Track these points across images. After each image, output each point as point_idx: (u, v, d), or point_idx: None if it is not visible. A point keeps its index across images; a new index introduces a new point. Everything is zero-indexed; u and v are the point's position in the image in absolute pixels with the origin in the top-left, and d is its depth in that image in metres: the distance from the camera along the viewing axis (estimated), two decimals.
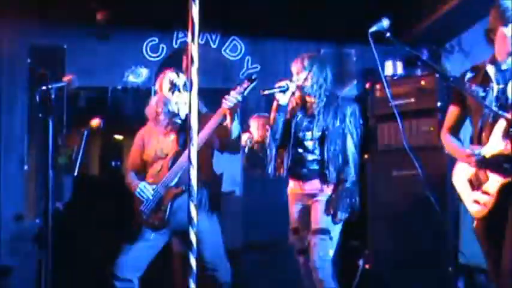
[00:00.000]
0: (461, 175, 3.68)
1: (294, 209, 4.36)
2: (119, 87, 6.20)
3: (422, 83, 5.16)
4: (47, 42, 6.02)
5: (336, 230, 4.15)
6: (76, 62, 5.96)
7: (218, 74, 6.27)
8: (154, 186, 4.27)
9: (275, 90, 4.24)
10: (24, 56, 5.96)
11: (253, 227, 5.54)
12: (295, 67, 4.34)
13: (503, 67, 3.61)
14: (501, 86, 3.61)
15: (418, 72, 5.38)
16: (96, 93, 6.20)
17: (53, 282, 3.93)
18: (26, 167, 6.02)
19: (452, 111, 3.84)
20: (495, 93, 3.62)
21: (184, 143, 4.23)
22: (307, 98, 4.30)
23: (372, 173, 5.33)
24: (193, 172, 2.52)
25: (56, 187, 4.02)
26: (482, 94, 3.64)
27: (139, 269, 4.29)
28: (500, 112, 3.56)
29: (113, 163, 4.95)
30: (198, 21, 2.52)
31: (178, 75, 4.35)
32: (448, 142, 3.85)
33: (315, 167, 4.22)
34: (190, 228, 2.51)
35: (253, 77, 4.21)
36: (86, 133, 5.40)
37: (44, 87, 4.03)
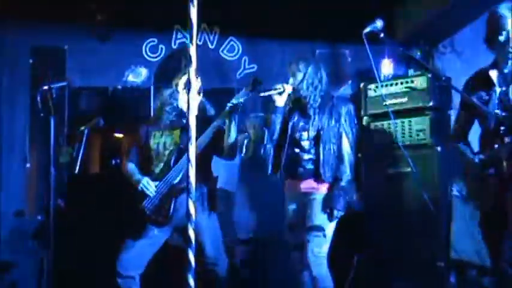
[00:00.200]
0: None
1: (291, 207, 4.37)
2: (119, 86, 6.19)
3: (415, 82, 5.16)
4: (48, 43, 6.01)
5: (330, 228, 4.16)
6: (77, 62, 5.96)
7: (216, 74, 6.27)
8: (157, 183, 4.27)
9: (272, 92, 4.25)
10: (26, 57, 5.95)
11: (248, 223, 5.56)
12: (290, 69, 4.34)
13: (505, 70, 3.62)
14: (503, 89, 3.63)
15: (411, 72, 5.38)
16: (97, 93, 6.19)
17: (54, 277, 3.94)
18: (28, 165, 6.02)
19: (460, 115, 3.87)
20: (498, 96, 3.64)
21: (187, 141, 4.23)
22: (303, 99, 4.31)
23: (366, 171, 5.34)
24: (191, 171, 2.51)
25: (57, 184, 4.00)
26: (485, 98, 3.65)
27: (141, 265, 4.28)
28: (489, 111, 3.58)
29: (113, 161, 4.94)
30: (196, 22, 2.51)
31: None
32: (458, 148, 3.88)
33: (311, 166, 4.22)
34: (188, 225, 2.51)
35: (259, 81, 4.23)
36: (86, 132, 5.39)
37: (45, 87, 4.03)
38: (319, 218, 4.14)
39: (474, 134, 3.86)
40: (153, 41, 6.36)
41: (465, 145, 3.85)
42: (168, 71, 5.08)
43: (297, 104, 4.37)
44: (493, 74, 3.67)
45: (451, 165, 4.93)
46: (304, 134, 4.28)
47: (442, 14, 5.34)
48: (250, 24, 6.15)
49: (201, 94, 4.41)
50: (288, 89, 4.26)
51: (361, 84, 5.60)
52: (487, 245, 3.85)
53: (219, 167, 4.57)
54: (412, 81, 5.18)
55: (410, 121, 5.12)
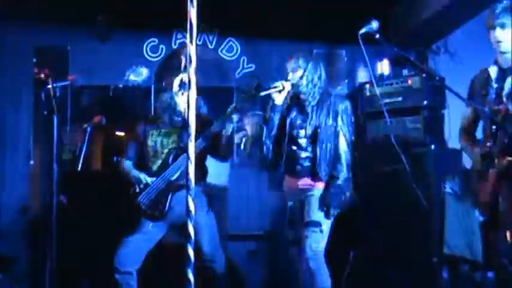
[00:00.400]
0: None
1: (289, 203, 4.36)
2: (120, 85, 6.19)
3: (410, 82, 5.16)
4: (51, 43, 6.00)
5: (327, 223, 4.16)
6: (79, 62, 5.95)
7: (215, 73, 6.26)
8: (153, 179, 4.26)
9: (271, 90, 4.24)
10: (30, 57, 5.93)
11: (240, 219, 5.57)
12: (290, 65, 4.33)
13: (504, 66, 3.63)
14: (499, 85, 3.64)
15: (406, 72, 5.38)
16: (99, 92, 6.19)
17: (57, 271, 3.93)
18: (31, 162, 6.02)
19: (467, 113, 3.88)
20: (494, 91, 3.65)
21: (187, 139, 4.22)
22: (302, 96, 4.29)
23: (361, 167, 5.33)
24: (191, 167, 2.51)
25: (60, 181, 4.00)
26: (483, 93, 3.66)
27: (138, 261, 4.27)
28: (482, 109, 3.58)
29: (115, 158, 4.93)
30: (196, 23, 2.51)
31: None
32: (463, 146, 3.89)
33: (308, 164, 4.21)
34: (188, 221, 2.50)
35: (259, 85, 4.23)
36: (88, 130, 5.39)
37: (48, 86, 4.02)
38: (317, 214, 4.14)
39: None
40: (154, 41, 6.35)
41: (468, 143, 3.86)
42: (168, 70, 5.06)
43: (295, 100, 4.36)
44: (493, 70, 3.68)
45: (444, 163, 4.93)
46: (302, 132, 4.27)
47: (436, 16, 5.34)
48: (248, 24, 6.14)
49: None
50: (287, 86, 4.25)
51: (357, 84, 5.60)
52: (485, 242, 3.85)
53: (209, 162, 4.57)
54: (407, 81, 5.18)
55: (405, 120, 5.12)
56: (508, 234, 3.52)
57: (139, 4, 5.84)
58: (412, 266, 4.89)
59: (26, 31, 6.05)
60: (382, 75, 5.56)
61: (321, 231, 4.12)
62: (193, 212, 2.50)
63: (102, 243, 4.82)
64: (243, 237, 5.57)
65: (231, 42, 6.43)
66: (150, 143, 4.37)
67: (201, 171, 4.39)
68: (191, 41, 2.50)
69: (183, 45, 6.20)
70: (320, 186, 4.18)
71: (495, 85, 3.65)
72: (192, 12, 2.49)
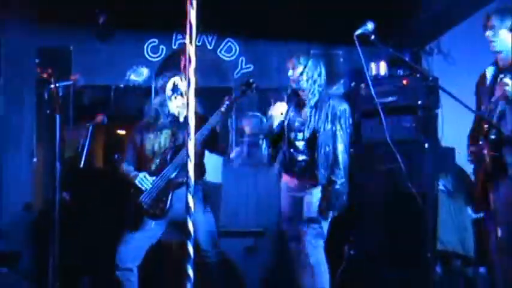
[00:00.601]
0: None
1: (287, 199, 4.35)
2: (122, 85, 6.19)
3: (404, 82, 5.15)
4: (54, 43, 5.99)
5: (326, 221, 4.16)
6: (81, 62, 5.95)
7: (214, 74, 6.26)
8: (154, 178, 4.25)
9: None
10: (33, 57, 5.93)
11: (239, 215, 5.57)
12: (290, 63, 4.31)
13: (500, 65, 3.65)
14: (491, 84, 3.67)
15: (400, 72, 5.37)
16: (100, 91, 6.19)
17: (59, 267, 3.92)
18: (34, 160, 6.02)
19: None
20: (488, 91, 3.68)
21: (183, 139, 4.21)
22: (301, 93, 4.27)
23: (357, 166, 5.32)
24: (190, 165, 2.50)
25: (63, 178, 3.99)
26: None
27: (139, 258, 4.26)
28: (473, 110, 3.59)
29: (116, 156, 4.93)
30: (195, 24, 2.50)
31: (182, 80, 4.30)
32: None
33: (306, 166, 4.19)
34: (188, 218, 2.50)
35: (251, 81, 4.22)
36: (90, 128, 5.37)
37: (51, 86, 4.01)
38: (316, 210, 4.13)
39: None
40: (154, 42, 6.35)
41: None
42: (165, 72, 5.05)
43: (294, 99, 4.34)
44: (489, 70, 3.69)
45: (437, 162, 4.94)
46: (300, 135, 4.26)
47: (430, 18, 5.35)
48: (247, 26, 6.14)
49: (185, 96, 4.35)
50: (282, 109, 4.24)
51: (353, 84, 5.60)
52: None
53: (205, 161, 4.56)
54: (402, 81, 5.17)
55: (399, 119, 5.11)
56: (498, 230, 3.53)
57: (140, 5, 5.83)
58: (407, 261, 4.89)
59: (29, 32, 6.04)
60: (377, 75, 5.56)
61: (321, 227, 4.12)
62: (192, 209, 2.50)
63: (103, 240, 4.81)
64: (241, 234, 5.56)
65: (229, 43, 6.43)
66: (147, 146, 4.35)
67: (200, 169, 4.38)
68: (191, 42, 2.49)
69: (182, 46, 6.20)
70: (318, 187, 4.17)
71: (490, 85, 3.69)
72: (192, 13, 2.49)
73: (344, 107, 4.23)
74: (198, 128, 4.12)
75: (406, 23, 5.69)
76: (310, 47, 6.11)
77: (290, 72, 4.27)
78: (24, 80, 6.09)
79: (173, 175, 4.23)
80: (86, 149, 5.34)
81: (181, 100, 4.26)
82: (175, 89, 4.30)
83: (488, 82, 3.75)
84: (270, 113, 4.30)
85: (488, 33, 3.67)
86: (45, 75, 4.10)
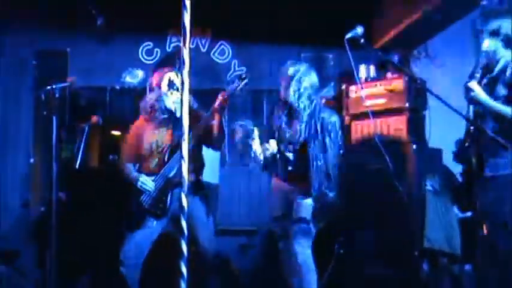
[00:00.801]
0: None
1: (278, 199, 4.35)
2: (117, 87, 6.17)
3: (393, 85, 5.17)
4: (51, 46, 5.97)
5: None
6: (78, 64, 5.92)
7: (207, 76, 6.25)
8: (153, 178, 4.24)
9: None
10: (31, 59, 5.91)
11: (232, 215, 5.57)
12: (281, 70, 4.31)
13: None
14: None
15: (389, 75, 5.38)
16: (96, 93, 6.17)
17: (57, 264, 3.91)
18: (32, 160, 5.99)
19: None
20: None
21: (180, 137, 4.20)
22: (291, 103, 4.25)
23: (347, 166, 5.32)
24: (184, 166, 2.50)
25: (59, 178, 3.98)
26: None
27: (142, 254, 4.25)
28: (459, 112, 3.60)
29: (111, 156, 4.92)
30: (189, 27, 2.50)
31: (177, 75, 4.28)
32: None
33: (296, 176, 4.18)
34: (181, 216, 2.49)
35: (243, 76, 4.21)
36: (86, 129, 5.36)
37: (48, 88, 4.00)
38: (305, 211, 4.13)
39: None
40: (149, 45, 6.34)
41: None
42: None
43: (285, 109, 4.32)
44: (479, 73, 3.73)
45: (425, 162, 4.95)
46: (290, 147, 4.25)
47: (417, 22, 5.36)
48: (239, 29, 6.14)
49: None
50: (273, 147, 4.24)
51: (343, 86, 5.60)
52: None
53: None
54: (390, 84, 5.18)
55: (388, 120, 5.12)
56: (484, 228, 3.54)
57: (135, 9, 5.82)
58: (394, 259, 4.90)
59: (27, 35, 6.02)
60: (366, 78, 5.56)
61: (309, 227, 4.12)
62: (186, 208, 2.49)
63: (99, 237, 4.80)
64: (235, 232, 5.56)
65: (222, 46, 6.42)
66: (145, 144, 4.34)
67: (198, 164, 4.37)
68: (184, 45, 2.49)
69: (176, 49, 6.19)
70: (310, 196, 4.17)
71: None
72: (186, 17, 2.49)
73: (334, 119, 4.21)
74: (193, 123, 4.12)
75: (394, 27, 5.71)
76: (301, 50, 6.11)
77: (282, 88, 4.27)
78: (21, 82, 6.06)
79: (171, 174, 4.22)
80: (81, 150, 5.33)
81: (177, 95, 4.23)
82: (171, 84, 4.28)
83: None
84: (264, 146, 4.26)
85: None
86: (42, 78, 4.07)
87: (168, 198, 4.19)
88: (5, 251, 5.29)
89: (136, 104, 5.28)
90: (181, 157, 2.50)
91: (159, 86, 4.32)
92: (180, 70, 2.47)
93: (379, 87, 5.25)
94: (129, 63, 6.22)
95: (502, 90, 3.59)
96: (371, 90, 5.25)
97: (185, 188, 2.50)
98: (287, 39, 6.12)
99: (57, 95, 4.06)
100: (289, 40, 6.12)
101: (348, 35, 3.46)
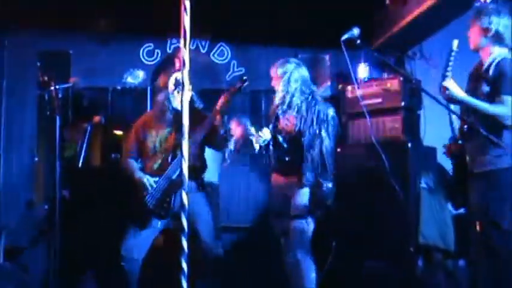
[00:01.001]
0: None
1: (276, 196, 4.34)
2: (119, 87, 6.16)
3: (388, 85, 5.16)
4: (54, 47, 5.96)
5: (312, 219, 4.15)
6: (80, 65, 5.92)
7: (207, 76, 6.24)
8: (156, 179, 4.22)
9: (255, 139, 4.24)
10: (34, 60, 5.90)
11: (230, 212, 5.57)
12: (272, 71, 4.31)
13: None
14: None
15: (385, 75, 5.38)
16: (98, 93, 6.16)
17: (61, 261, 3.90)
18: (36, 159, 5.98)
19: None
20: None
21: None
22: (285, 100, 4.25)
23: (344, 164, 5.32)
24: (185, 165, 2.50)
25: (63, 176, 3.97)
26: None
27: (143, 251, 4.25)
28: (452, 110, 3.60)
29: (113, 155, 4.92)
30: (189, 29, 2.49)
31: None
32: None
33: (293, 167, 4.17)
34: (182, 214, 2.49)
35: (244, 78, 4.20)
36: (89, 129, 5.36)
37: (51, 88, 3.99)
38: (303, 207, 4.12)
39: None
40: (150, 46, 6.33)
41: None
42: (162, 72, 5.03)
43: (281, 105, 4.32)
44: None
45: (420, 160, 4.94)
46: (286, 137, 4.24)
47: (412, 24, 5.35)
48: (238, 31, 6.13)
49: (191, 88, 4.33)
50: (266, 134, 4.22)
51: (340, 86, 5.60)
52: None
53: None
54: (386, 84, 5.18)
55: (384, 119, 5.12)
56: (477, 225, 3.54)
57: (137, 11, 5.81)
58: (390, 255, 4.90)
59: (31, 37, 6.01)
60: (363, 78, 5.56)
61: (307, 223, 4.11)
62: (187, 206, 2.49)
63: (101, 234, 4.80)
64: (235, 229, 5.55)
65: (222, 47, 6.42)
66: (149, 143, 4.32)
67: (200, 165, 4.36)
68: (185, 46, 2.49)
69: (177, 50, 6.18)
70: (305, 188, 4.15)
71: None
72: (186, 19, 2.48)
73: (330, 111, 4.20)
74: (198, 123, 4.12)
75: (389, 29, 5.70)
76: (298, 51, 6.11)
77: (272, 82, 4.28)
78: (26, 83, 6.06)
79: (174, 176, 4.20)
80: (84, 149, 5.32)
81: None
82: (177, 84, 4.27)
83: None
84: (261, 134, 4.26)
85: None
86: (45, 78, 4.07)
87: (172, 200, 4.18)
88: (10, 247, 5.29)
89: (137, 104, 5.29)
90: (182, 156, 2.51)
91: (166, 87, 4.31)
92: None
93: (375, 87, 5.24)
94: (130, 64, 6.21)
95: (485, 87, 3.59)
96: (367, 90, 5.24)
97: (185, 186, 2.50)
98: (285, 40, 6.11)
99: (60, 96, 4.04)
100: (287, 41, 6.11)
101: (344, 36, 3.46)
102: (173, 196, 4.17)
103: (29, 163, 6.02)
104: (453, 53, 3.62)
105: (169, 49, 6.37)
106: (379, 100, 5.18)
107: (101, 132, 5.84)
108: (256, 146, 4.26)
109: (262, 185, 4.64)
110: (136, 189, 4.22)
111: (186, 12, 2.48)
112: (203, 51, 6.40)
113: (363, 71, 5.60)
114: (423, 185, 5.02)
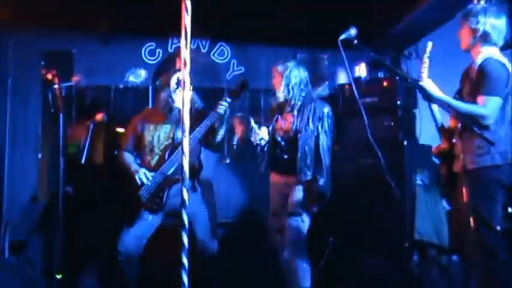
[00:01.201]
0: None
1: (275, 196, 4.33)
2: (121, 86, 6.16)
3: (385, 84, 5.16)
4: (57, 47, 5.95)
5: (308, 215, 4.14)
6: (83, 64, 5.91)
7: (207, 75, 6.24)
8: (152, 173, 4.22)
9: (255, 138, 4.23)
10: (38, 60, 5.88)
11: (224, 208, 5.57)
12: (274, 71, 4.30)
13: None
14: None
15: (381, 74, 5.37)
16: (101, 92, 6.16)
17: (63, 255, 3.90)
18: (40, 156, 5.98)
19: None
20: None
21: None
22: (284, 99, 4.24)
23: (341, 161, 5.31)
24: (185, 161, 2.49)
25: (66, 173, 3.96)
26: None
27: (140, 245, 4.24)
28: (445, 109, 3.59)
29: (115, 152, 4.90)
30: (190, 29, 2.49)
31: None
32: None
33: (291, 166, 4.16)
34: (183, 210, 2.49)
35: (244, 83, 4.20)
36: (91, 126, 5.35)
37: (55, 87, 3.98)
38: (298, 205, 4.11)
39: None
40: (151, 46, 6.33)
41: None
42: (165, 71, 5.03)
43: (278, 105, 4.32)
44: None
45: (415, 158, 4.94)
46: (284, 136, 4.23)
47: (408, 25, 5.35)
48: (238, 31, 6.12)
49: (191, 88, 4.32)
50: (264, 134, 4.22)
51: (337, 85, 5.60)
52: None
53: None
54: (383, 83, 5.17)
55: (380, 118, 5.11)
56: (471, 221, 3.52)
57: (138, 11, 5.80)
58: (386, 250, 4.90)
59: (35, 36, 6.00)
60: (360, 77, 5.56)
61: (303, 220, 4.10)
62: (187, 202, 2.48)
63: (104, 229, 4.79)
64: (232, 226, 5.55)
65: (222, 47, 6.42)
66: (147, 137, 4.32)
67: (197, 164, 4.36)
68: (186, 46, 2.48)
69: (178, 50, 6.17)
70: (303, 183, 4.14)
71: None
72: (187, 19, 2.47)
73: (326, 109, 4.19)
74: (199, 120, 4.11)
75: (386, 29, 5.70)
76: (296, 51, 6.11)
77: (273, 81, 4.28)
78: (30, 81, 6.05)
79: (170, 172, 4.21)
80: (87, 146, 5.32)
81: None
82: (179, 83, 4.27)
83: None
84: (259, 132, 4.25)
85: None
86: (49, 77, 4.06)
87: (165, 195, 4.18)
88: (14, 242, 5.29)
89: (139, 102, 5.29)
90: (183, 153, 2.50)
91: (168, 85, 4.31)
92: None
93: (372, 86, 5.24)
94: (132, 63, 6.21)
95: (468, 87, 3.60)
96: (364, 89, 5.24)
97: (186, 183, 2.50)
98: (284, 40, 6.11)
99: (63, 94, 4.03)
100: (286, 41, 6.11)
101: (342, 37, 3.45)
102: (166, 191, 4.18)
103: (33, 159, 6.02)
104: (426, 55, 3.64)
105: (171, 48, 6.37)
106: (376, 99, 5.18)
107: (103, 130, 5.83)
108: (256, 144, 4.26)
109: (261, 184, 4.62)
110: (131, 182, 4.22)
111: (186, 12, 2.47)
112: (204, 51, 6.40)
113: (360, 70, 5.60)
114: (419, 182, 5.02)
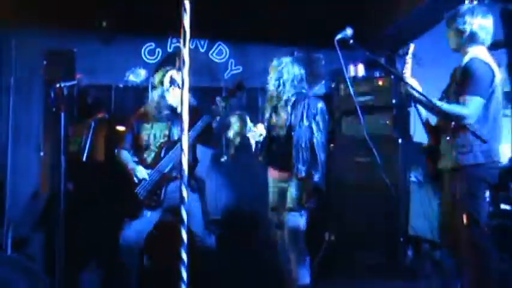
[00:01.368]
0: None
1: (273, 191, 4.33)
2: (121, 85, 6.15)
3: (380, 83, 5.17)
4: (59, 46, 5.94)
5: (305, 211, 4.14)
6: (84, 63, 5.89)
7: (206, 74, 6.24)
8: (149, 171, 4.23)
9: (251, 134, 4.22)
10: (41, 59, 5.87)
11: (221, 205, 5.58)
12: (270, 67, 4.30)
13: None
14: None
15: (377, 74, 5.37)
16: (102, 91, 6.15)
17: (65, 250, 3.90)
18: (42, 153, 5.97)
19: None
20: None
21: (178, 134, 4.19)
22: (278, 97, 4.23)
23: (337, 159, 5.32)
24: (184, 159, 2.49)
25: (67, 170, 3.96)
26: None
27: (140, 240, 4.25)
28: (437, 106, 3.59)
29: (116, 150, 4.90)
30: (189, 29, 2.48)
31: (178, 73, 4.27)
32: None
33: (287, 161, 4.14)
34: (182, 207, 2.49)
35: (241, 84, 4.20)
36: (93, 124, 5.34)
37: (57, 85, 3.97)
38: (296, 200, 4.11)
39: None
40: (151, 45, 6.33)
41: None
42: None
43: (273, 101, 4.30)
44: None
45: (410, 155, 4.95)
46: (279, 132, 4.22)
47: (402, 24, 5.35)
48: (236, 31, 6.12)
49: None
50: (262, 129, 4.22)
51: (333, 84, 5.59)
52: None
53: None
54: (378, 82, 5.17)
55: (375, 116, 5.11)
56: (464, 218, 3.52)
57: (138, 11, 5.80)
58: (381, 246, 4.91)
59: (37, 36, 5.99)
60: (355, 76, 5.56)
61: (301, 215, 4.10)
62: (186, 199, 2.48)
63: (104, 225, 4.79)
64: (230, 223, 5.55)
65: (220, 46, 6.41)
66: (143, 136, 4.32)
67: (192, 162, 4.37)
68: (184, 45, 2.47)
69: (177, 49, 6.18)
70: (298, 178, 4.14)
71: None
72: (186, 19, 2.47)
73: (320, 105, 4.16)
74: (192, 119, 4.10)
75: (381, 29, 5.69)
76: (293, 50, 6.10)
77: (270, 75, 4.27)
78: (32, 80, 6.05)
79: (167, 169, 4.21)
80: (88, 144, 5.31)
81: (178, 92, 4.22)
82: (172, 81, 4.28)
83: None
84: (254, 130, 4.24)
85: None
86: (51, 76, 4.05)
87: (162, 192, 4.19)
88: (17, 238, 5.28)
89: (139, 101, 5.27)
90: (182, 151, 2.49)
91: (161, 84, 4.31)
92: (180, 69, 2.46)
93: (367, 85, 5.24)
94: (132, 62, 6.21)
95: (454, 86, 3.60)
96: (360, 88, 5.24)
97: (185, 180, 2.49)
98: (281, 40, 6.10)
99: (65, 93, 4.02)
100: (283, 41, 6.10)
101: (338, 36, 3.44)
102: (163, 188, 4.18)
103: (35, 157, 6.01)
104: (408, 56, 3.66)
105: (170, 48, 6.37)
106: (371, 98, 5.19)
107: (104, 129, 5.83)
108: (253, 142, 4.26)
109: (259, 180, 4.62)
110: (129, 180, 4.22)
111: (185, 12, 2.46)
112: (202, 51, 6.39)
113: (355, 69, 5.59)
114: (413, 179, 5.03)
